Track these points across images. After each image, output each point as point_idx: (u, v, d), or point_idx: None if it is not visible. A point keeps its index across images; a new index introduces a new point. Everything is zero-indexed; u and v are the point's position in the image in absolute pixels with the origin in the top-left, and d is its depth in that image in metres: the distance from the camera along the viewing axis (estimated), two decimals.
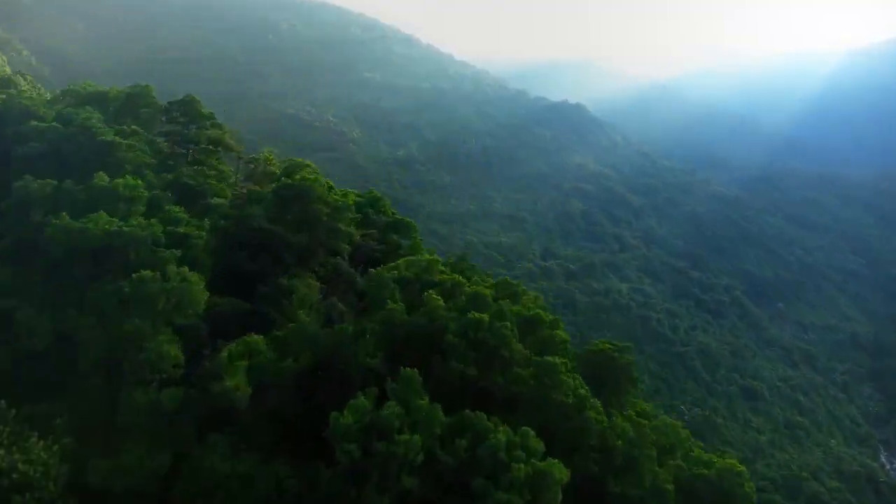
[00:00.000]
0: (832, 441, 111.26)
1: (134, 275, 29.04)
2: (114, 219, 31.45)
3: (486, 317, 31.14)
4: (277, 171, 50.53)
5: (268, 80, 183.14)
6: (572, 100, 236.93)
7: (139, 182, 36.11)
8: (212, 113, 52.89)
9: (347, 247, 41.17)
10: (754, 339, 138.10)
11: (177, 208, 38.33)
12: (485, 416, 27.17)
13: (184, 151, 51.19)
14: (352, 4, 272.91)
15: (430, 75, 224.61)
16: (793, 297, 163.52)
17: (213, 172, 48.99)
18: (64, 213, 30.83)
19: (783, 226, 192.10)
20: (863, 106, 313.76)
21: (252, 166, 54.63)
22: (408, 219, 51.03)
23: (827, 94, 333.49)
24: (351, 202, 44.96)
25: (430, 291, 33.84)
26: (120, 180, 34.78)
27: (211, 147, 51.53)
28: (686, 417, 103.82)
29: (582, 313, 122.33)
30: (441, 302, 32.46)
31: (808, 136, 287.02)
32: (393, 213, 51.26)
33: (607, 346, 40.78)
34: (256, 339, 30.22)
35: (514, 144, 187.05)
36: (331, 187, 48.02)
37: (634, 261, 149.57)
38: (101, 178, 34.48)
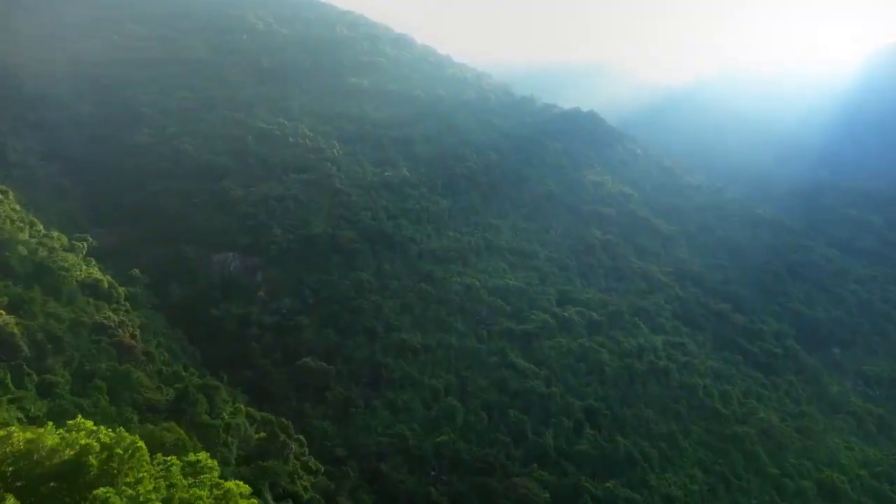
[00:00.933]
0: None
1: None
2: None
3: None
4: None
5: (237, 88, 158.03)
6: (581, 107, 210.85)
7: None
8: None
9: None
10: (816, 403, 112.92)
11: None
12: None
13: None
14: (340, 1, 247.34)
15: (425, 80, 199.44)
16: (848, 341, 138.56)
17: None
18: None
19: (829, 252, 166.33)
20: (892, 112, 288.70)
21: None
22: None
23: (853, 100, 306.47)
24: None
25: None
26: None
27: None
28: None
29: (612, 384, 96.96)
30: None
31: (839, 147, 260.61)
32: None
33: None
34: None
35: (521, 160, 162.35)
36: None
37: (668, 304, 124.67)
38: None
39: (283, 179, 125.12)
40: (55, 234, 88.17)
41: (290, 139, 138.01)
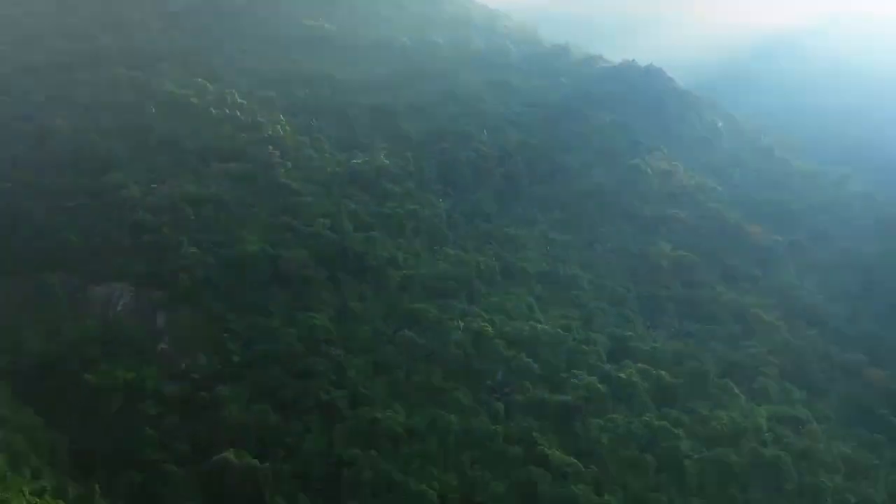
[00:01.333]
0: None
1: None
2: None
3: None
4: None
5: (135, 33, 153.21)
6: (638, 60, 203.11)
7: None
8: None
9: None
10: None
11: None
12: None
13: None
14: None
15: (413, 21, 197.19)
16: None
17: None
18: None
19: None
20: None
21: None
22: None
23: None
24: None
25: None
26: None
27: None
28: None
29: (696, 489, 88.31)
30: None
31: None
32: None
33: None
34: None
35: (553, 140, 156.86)
36: None
37: (772, 356, 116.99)
38: None
39: (202, 171, 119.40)
40: None
41: (213, 110, 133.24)
